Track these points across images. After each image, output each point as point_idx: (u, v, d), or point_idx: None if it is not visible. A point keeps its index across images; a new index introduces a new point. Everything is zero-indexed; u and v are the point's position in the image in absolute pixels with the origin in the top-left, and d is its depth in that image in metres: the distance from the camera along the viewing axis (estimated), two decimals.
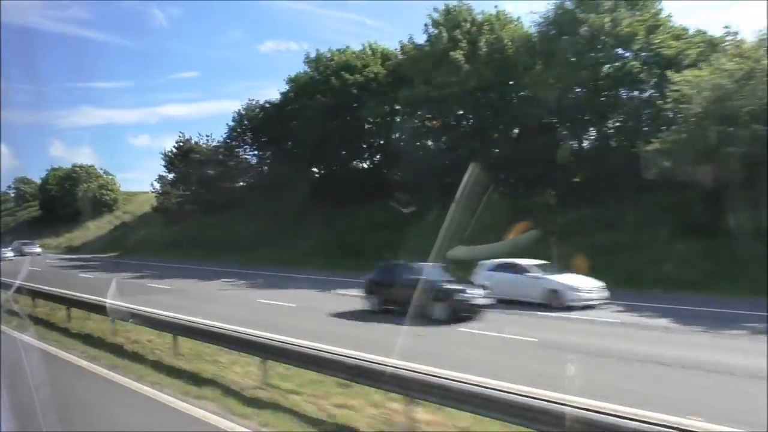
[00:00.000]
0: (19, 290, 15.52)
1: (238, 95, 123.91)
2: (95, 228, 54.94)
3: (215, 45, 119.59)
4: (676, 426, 4.64)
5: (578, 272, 16.44)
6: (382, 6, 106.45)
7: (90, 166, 59.92)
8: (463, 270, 17.35)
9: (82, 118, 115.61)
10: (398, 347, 8.91)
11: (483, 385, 5.91)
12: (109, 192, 58.59)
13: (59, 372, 8.79)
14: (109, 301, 11.81)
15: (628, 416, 4.77)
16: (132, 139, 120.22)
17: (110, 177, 60.30)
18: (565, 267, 16.96)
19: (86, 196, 54.04)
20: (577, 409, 4.82)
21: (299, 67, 37.27)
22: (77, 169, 59.06)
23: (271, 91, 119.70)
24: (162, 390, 7.76)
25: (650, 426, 4.49)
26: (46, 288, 16.31)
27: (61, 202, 56.39)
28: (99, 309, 12.02)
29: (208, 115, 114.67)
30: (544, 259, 17.62)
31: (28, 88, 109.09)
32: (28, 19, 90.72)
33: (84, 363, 9.53)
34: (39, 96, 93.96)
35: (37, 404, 6.11)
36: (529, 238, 21.97)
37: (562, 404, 4.97)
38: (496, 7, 32.63)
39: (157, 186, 46.00)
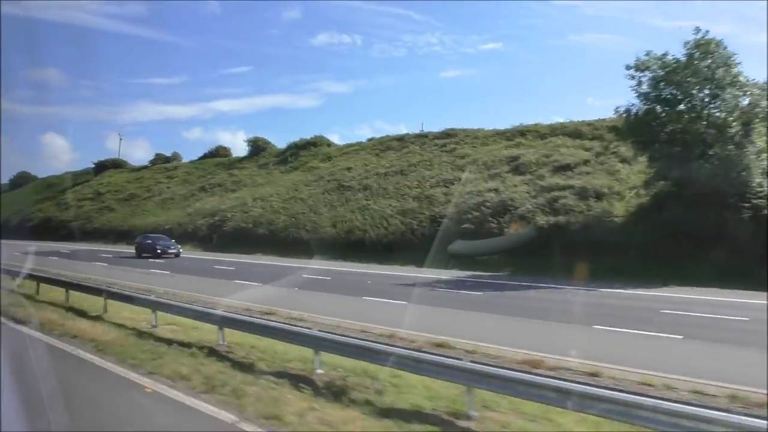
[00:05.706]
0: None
1: (290, 89, 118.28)
2: None
3: (267, 39, 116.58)
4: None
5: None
6: (427, 2, 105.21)
7: None
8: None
9: (139, 114, 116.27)
10: None
11: None
12: None
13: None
14: None
15: None
16: (185, 133, 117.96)
17: None
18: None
19: None
20: None
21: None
22: None
23: (323, 84, 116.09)
24: None
25: None
26: None
27: None
28: None
29: (260, 110, 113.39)
30: None
31: (88, 84, 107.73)
32: (86, 19, 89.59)
33: None
34: (98, 92, 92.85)
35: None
36: (526, 234, 22.82)
37: None
38: None
39: None
